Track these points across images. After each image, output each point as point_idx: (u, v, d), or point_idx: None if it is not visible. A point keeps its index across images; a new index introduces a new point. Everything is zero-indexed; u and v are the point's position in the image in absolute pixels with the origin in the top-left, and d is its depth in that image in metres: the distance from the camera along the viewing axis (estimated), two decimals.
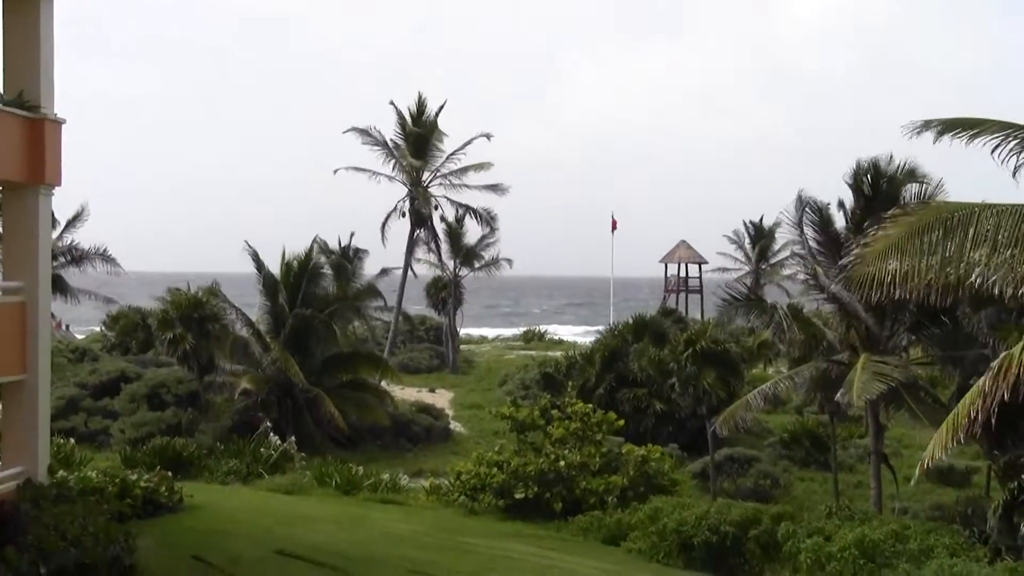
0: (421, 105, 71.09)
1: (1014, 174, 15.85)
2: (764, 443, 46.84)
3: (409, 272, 73.20)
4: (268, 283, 47.32)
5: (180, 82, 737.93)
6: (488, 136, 72.39)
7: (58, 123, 19.75)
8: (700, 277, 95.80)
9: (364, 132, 70.02)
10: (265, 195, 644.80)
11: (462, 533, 25.75)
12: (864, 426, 41.76)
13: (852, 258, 18.16)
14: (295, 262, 47.67)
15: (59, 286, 48.92)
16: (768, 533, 23.76)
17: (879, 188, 32.82)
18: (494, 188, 72.24)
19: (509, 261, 77.42)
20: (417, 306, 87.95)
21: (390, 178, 71.44)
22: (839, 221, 33.76)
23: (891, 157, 32.90)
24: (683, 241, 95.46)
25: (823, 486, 40.56)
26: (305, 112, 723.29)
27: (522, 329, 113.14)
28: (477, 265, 76.69)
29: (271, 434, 39.86)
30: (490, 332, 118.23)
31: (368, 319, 59.85)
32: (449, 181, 71.96)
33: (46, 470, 19.82)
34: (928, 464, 15.48)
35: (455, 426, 52.24)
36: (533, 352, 79.20)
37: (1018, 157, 15.94)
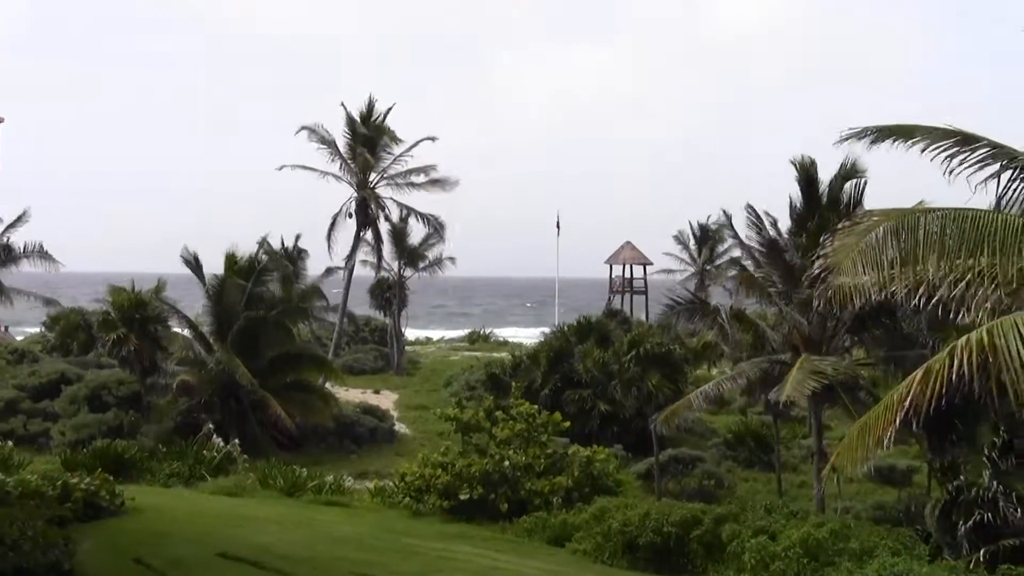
0: (370, 106, 70.86)
1: (949, 174, 15.94)
2: (708, 444, 47.11)
3: (354, 273, 73.02)
4: (212, 284, 46.99)
5: (124, 77, 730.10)
6: (433, 139, 72.29)
7: None
8: (645, 278, 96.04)
9: (314, 130, 69.61)
10: (218, 194, 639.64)
11: (406, 534, 25.66)
12: (807, 426, 42.06)
13: (817, 270, 18.22)
14: (242, 263, 47.41)
15: None
16: (711, 533, 23.82)
17: (817, 188, 33.15)
18: (441, 183, 71.92)
19: (452, 260, 77.60)
20: (362, 307, 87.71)
21: (337, 178, 71.13)
22: (784, 222, 34.05)
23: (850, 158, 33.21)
24: (628, 242, 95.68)
25: (767, 486, 40.82)
26: (250, 109, 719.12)
27: (467, 330, 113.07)
28: (421, 266, 76.71)
29: (214, 436, 39.54)
30: (435, 333, 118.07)
31: (313, 320, 59.67)
32: (396, 182, 71.79)
33: None
34: (836, 476, 15.68)
35: (400, 427, 52.14)
36: (478, 353, 79.25)
37: (951, 161, 16.06)
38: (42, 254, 52.02)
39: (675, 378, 41.58)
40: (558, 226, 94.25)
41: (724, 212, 34.52)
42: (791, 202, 34.01)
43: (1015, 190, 16.12)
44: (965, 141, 15.96)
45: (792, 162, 33.93)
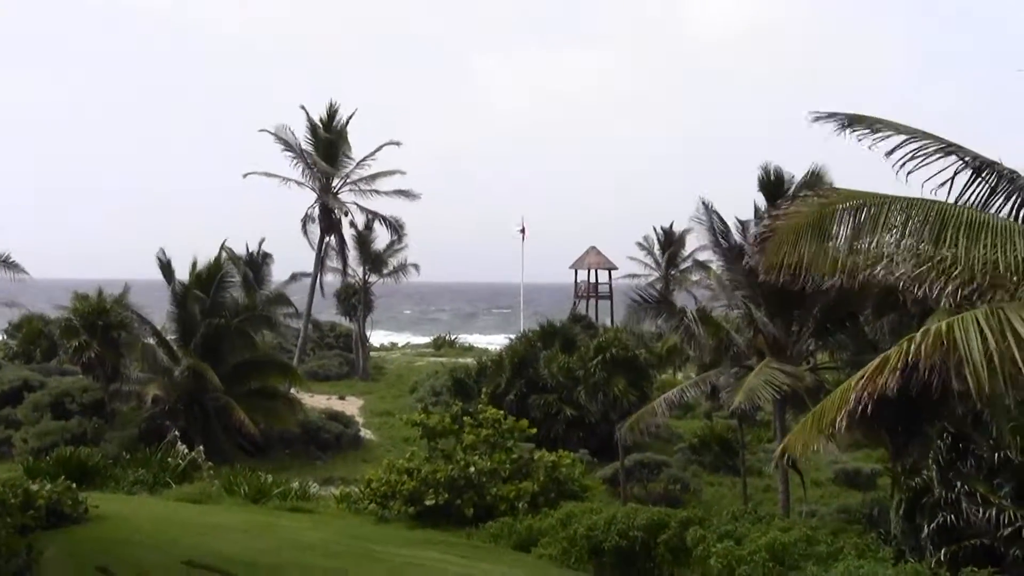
0: (332, 111, 70.70)
1: (907, 176, 16.00)
2: (674, 448, 47.22)
3: (320, 279, 72.84)
4: (177, 291, 46.76)
5: (98, 87, 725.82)
6: (396, 143, 72.20)
7: None
8: (610, 283, 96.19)
9: (277, 134, 69.38)
10: (182, 202, 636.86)
11: (372, 540, 25.59)
12: (773, 431, 42.23)
13: (762, 229, 18.25)
14: (205, 270, 47.20)
15: None
16: (677, 537, 23.86)
17: (782, 193, 33.27)
18: (405, 194, 71.89)
19: (416, 267, 77.58)
20: (327, 313, 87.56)
21: (300, 184, 70.96)
22: (751, 227, 34.11)
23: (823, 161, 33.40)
24: (593, 247, 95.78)
25: (732, 490, 40.95)
26: (212, 114, 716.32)
27: (432, 336, 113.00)
28: (386, 271, 76.67)
29: (179, 443, 39.32)
30: (400, 339, 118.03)
31: (278, 326, 59.42)
32: (359, 188, 71.66)
33: None
34: (787, 459, 15.78)
35: (365, 433, 52.04)
36: (444, 359, 79.34)
37: (914, 162, 16.10)
38: (7, 263, 51.59)
39: (640, 383, 41.66)
40: (523, 231, 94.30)
41: (704, 202, 34.21)
42: (756, 208, 34.21)
43: (974, 192, 16.20)
44: (932, 142, 16.01)
45: (761, 168, 34.14)
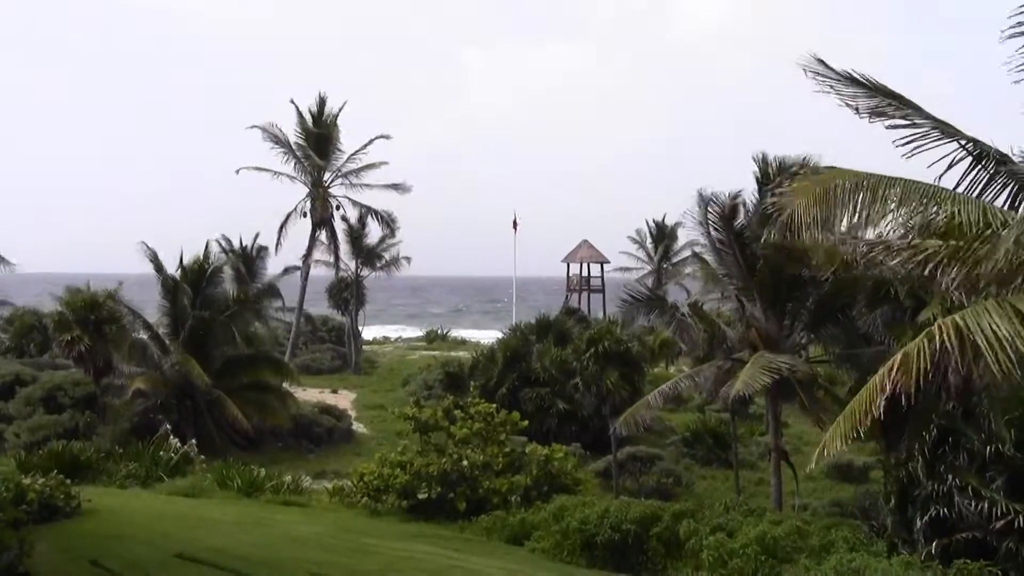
0: (321, 105, 70.77)
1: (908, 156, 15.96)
2: (666, 442, 47.23)
3: (310, 272, 72.90)
4: (167, 285, 46.72)
5: (88, 77, 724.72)
6: (387, 137, 72.45)
7: None
8: (602, 276, 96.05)
9: (265, 130, 69.49)
10: (173, 195, 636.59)
11: (365, 534, 25.62)
12: (765, 424, 42.29)
13: (770, 202, 18.23)
14: (194, 264, 47.15)
15: None
16: (669, 530, 23.91)
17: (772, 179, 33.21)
18: (396, 187, 72.03)
19: (408, 259, 77.54)
20: (319, 307, 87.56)
21: (291, 178, 71.01)
22: (740, 216, 34.06)
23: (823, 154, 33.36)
24: (585, 241, 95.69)
25: (725, 483, 41.01)
26: (207, 110, 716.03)
27: (425, 330, 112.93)
28: (379, 265, 76.64)
29: (171, 437, 39.30)
30: (393, 332, 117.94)
31: (268, 320, 59.41)
32: (350, 181, 71.74)
33: None
34: (827, 453, 15.65)
35: (358, 427, 52.08)
36: (436, 352, 79.27)
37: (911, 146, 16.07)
38: None
39: (633, 377, 41.76)
40: (515, 225, 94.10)
41: (700, 194, 34.15)
42: (745, 202, 34.14)
43: (974, 179, 16.20)
44: (932, 122, 15.98)
45: (753, 158, 34.12)
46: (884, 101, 16.13)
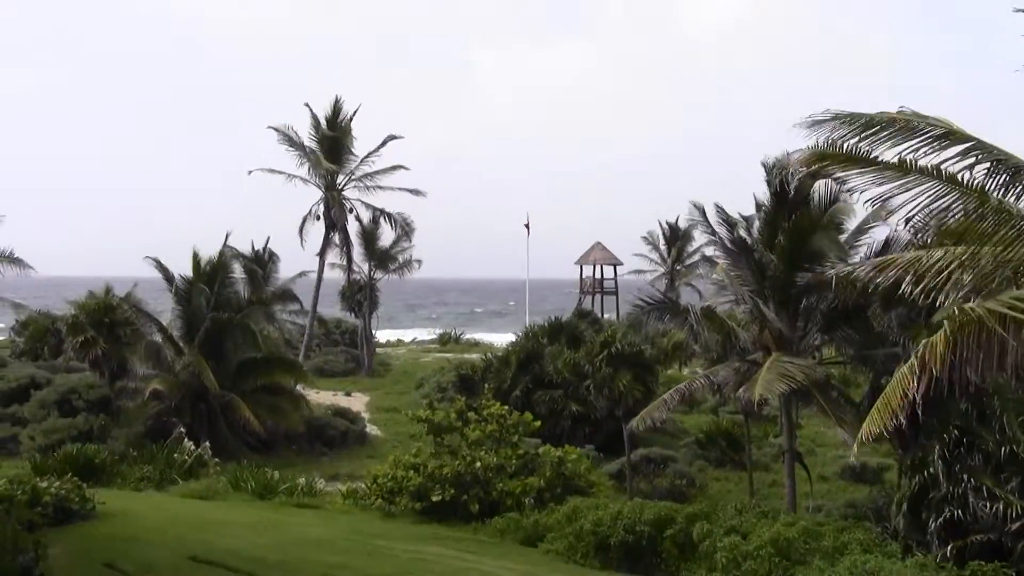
0: (336, 108, 70.86)
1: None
2: (680, 443, 47.21)
3: (324, 275, 73.02)
4: (180, 287, 46.85)
5: (90, 80, 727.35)
6: (398, 137, 72.48)
7: None
8: (615, 279, 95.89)
9: (280, 131, 69.62)
10: (184, 199, 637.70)
11: (379, 536, 25.64)
12: (779, 425, 42.20)
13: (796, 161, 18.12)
14: (209, 264, 47.27)
15: None
16: (683, 532, 23.88)
17: (787, 187, 33.13)
18: (411, 191, 72.18)
19: (419, 262, 77.49)
20: (332, 309, 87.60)
21: (305, 180, 71.16)
22: (754, 222, 34.07)
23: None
24: (598, 243, 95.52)
25: (738, 485, 40.94)
26: (218, 116, 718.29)
27: (438, 332, 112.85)
28: (392, 267, 76.60)
29: (185, 439, 39.42)
30: (406, 335, 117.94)
31: (281, 322, 59.50)
32: (364, 184, 71.82)
33: None
34: (867, 438, 15.54)
35: (371, 429, 52.07)
36: (449, 355, 79.18)
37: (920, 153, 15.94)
38: (12, 259, 51.62)
39: (646, 379, 41.67)
40: (527, 227, 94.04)
41: (697, 206, 34.28)
42: (756, 202, 34.05)
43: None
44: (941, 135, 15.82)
45: (763, 164, 34.02)
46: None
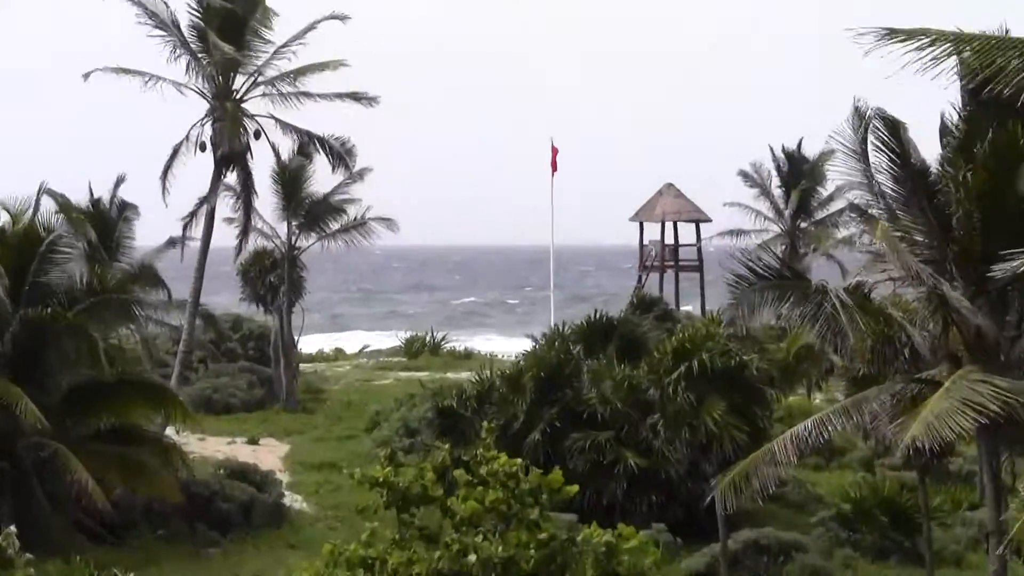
0: None
1: None
2: (811, 520, 47.07)
3: (213, 243, 72.48)
4: None
5: None
6: (342, 18, 71.31)
7: None
8: (699, 244, 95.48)
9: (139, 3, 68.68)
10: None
11: None
12: (978, 490, 41.91)
13: None
14: (18, 231, 46.95)
15: None
16: None
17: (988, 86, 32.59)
18: (356, 97, 71.14)
19: (390, 223, 77.07)
20: (228, 299, 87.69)
21: (179, 87, 70.25)
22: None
23: None
24: (669, 185, 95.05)
25: None
26: None
27: (406, 335, 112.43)
28: (332, 229, 76.29)
29: None
30: (353, 341, 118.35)
31: (142, 323, 59.12)
32: (278, 90, 70.92)
33: None
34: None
35: (293, 500, 52.12)
36: (423, 374, 79.37)
37: None
38: None
39: (752, 411, 41.55)
40: (553, 160, 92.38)
41: (836, 135, 33.51)
42: (942, 119, 33.60)
43: None
44: None
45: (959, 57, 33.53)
46: None
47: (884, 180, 33.56)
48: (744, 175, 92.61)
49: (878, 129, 32.90)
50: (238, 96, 69.75)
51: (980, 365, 31.23)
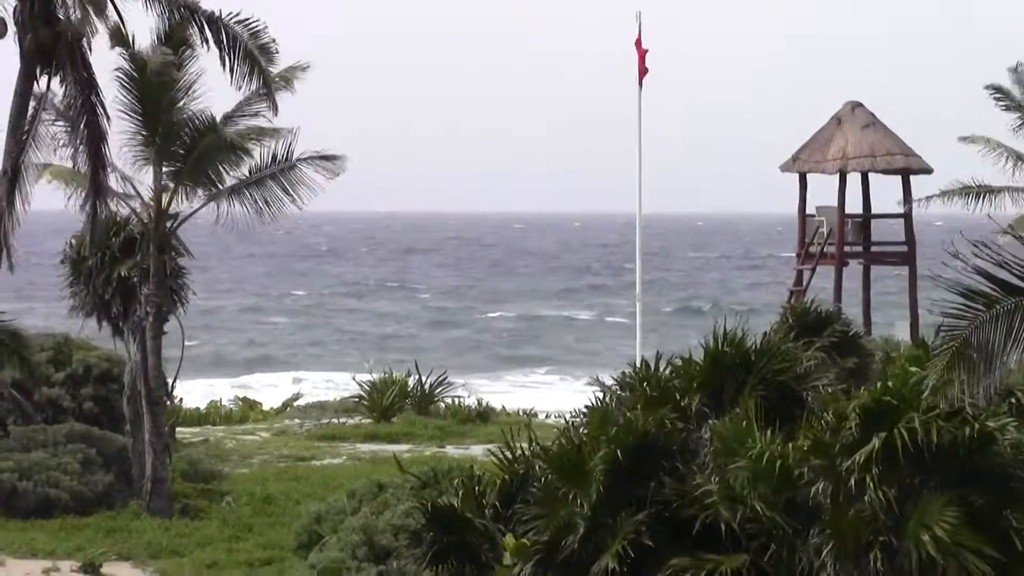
0: None
1: None
2: None
3: (21, 208, 72.17)
4: None
5: None
6: None
7: None
8: (908, 212, 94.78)
9: None
10: None
11: None
12: None
13: None
14: None
15: None
16: None
17: None
18: None
19: (334, 160, 76.94)
20: (45, 309, 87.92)
21: None
22: None
23: None
24: (855, 107, 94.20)
25: None
26: None
27: (374, 375, 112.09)
28: (234, 181, 76.18)
29: None
30: (276, 385, 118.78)
31: None
32: None
33: None
34: None
35: None
36: (400, 447, 79.29)
37: None
38: None
39: (1004, 519, 41.21)
40: (641, 64, 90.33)
41: None
42: None
43: None
44: None
45: None
46: None
47: None
48: (997, 91, 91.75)
49: None
50: None
51: None
